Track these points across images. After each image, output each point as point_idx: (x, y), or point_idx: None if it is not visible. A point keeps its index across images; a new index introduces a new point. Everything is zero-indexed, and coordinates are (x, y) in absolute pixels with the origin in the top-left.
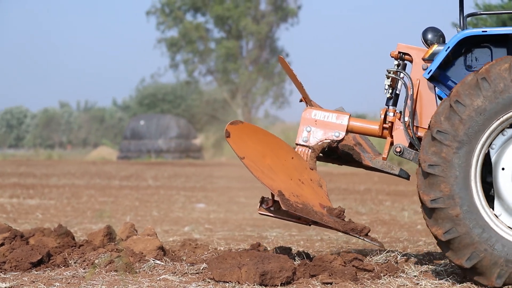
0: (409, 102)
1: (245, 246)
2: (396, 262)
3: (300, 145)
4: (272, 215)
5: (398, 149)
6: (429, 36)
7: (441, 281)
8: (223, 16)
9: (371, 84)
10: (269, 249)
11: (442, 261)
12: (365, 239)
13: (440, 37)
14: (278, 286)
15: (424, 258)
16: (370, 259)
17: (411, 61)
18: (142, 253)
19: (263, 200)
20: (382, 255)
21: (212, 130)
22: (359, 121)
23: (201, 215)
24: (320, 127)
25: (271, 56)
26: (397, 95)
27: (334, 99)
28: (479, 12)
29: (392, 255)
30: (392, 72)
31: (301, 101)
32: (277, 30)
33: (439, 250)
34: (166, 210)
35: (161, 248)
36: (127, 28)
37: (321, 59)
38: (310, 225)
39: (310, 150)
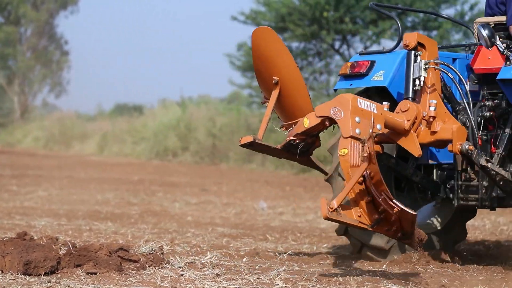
0: (470, 97)
1: (12, 234)
2: (162, 253)
3: (354, 138)
4: (342, 220)
5: (471, 147)
6: (488, 32)
7: (205, 273)
8: (2, 2)
9: (150, 76)
10: (36, 238)
11: (208, 253)
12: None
13: (493, 33)
14: (42, 275)
15: (191, 250)
16: (135, 249)
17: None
18: None
19: (327, 204)
20: (148, 246)
21: None
22: (390, 114)
23: None
24: (367, 118)
25: (50, 43)
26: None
27: (110, 88)
28: (377, 4)
29: (159, 246)
30: (431, 64)
31: (276, 83)
32: (56, 17)
33: (207, 242)
34: None
35: None
36: None
37: (102, 48)
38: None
39: (361, 145)
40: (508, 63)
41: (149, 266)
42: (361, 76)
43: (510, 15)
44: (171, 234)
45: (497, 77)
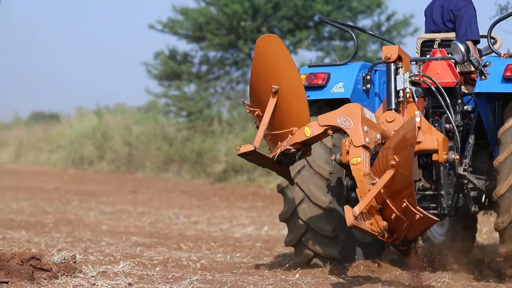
0: (451, 108)
1: None
2: (75, 262)
3: (365, 147)
4: (362, 227)
5: (457, 157)
6: (465, 47)
7: (117, 282)
8: None
9: (67, 83)
10: None
11: (121, 262)
12: None
13: (469, 48)
14: None
15: (104, 259)
16: (48, 258)
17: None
18: None
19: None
20: (61, 255)
21: None
22: (384, 125)
23: None
24: (371, 127)
25: None
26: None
27: (27, 96)
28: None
29: (71, 255)
30: (414, 77)
31: (275, 92)
32: None
33: (120, 251)
34: None
35: None
36: None
37: (18, 55)
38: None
39: (369, 153)
40: (483, 77)
41: (61, 275)
42: (320, 87)
43: (463, 33)
44: (85, 243)
45: (474, 91)
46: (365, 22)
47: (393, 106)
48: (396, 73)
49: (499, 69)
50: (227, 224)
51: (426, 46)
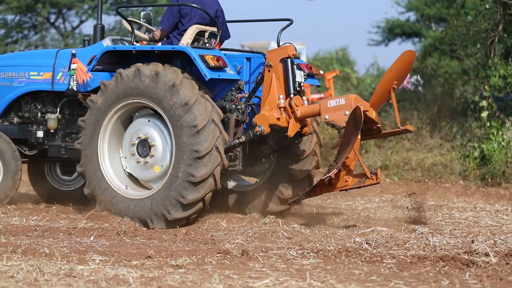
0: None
1: None
2: None
3: None
4: None
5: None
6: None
7: None
8: None
9: None
10: None
11: None
12: None
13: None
14: None
15: None
16: None
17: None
18: None
19: None
20: None
21: None
22: None
23: None
24: None
25: None
26: None
27: None
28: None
29: None
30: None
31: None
32: None
33: None
34: None
35: None
36: None
37: None
38: None
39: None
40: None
41: None
42: (223, 69)
43: (226, 32)
44: None
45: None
46: None
47: (293, 91)
48: (294, 69)
49: None
50: (25, 187)
51: (198, 35)
